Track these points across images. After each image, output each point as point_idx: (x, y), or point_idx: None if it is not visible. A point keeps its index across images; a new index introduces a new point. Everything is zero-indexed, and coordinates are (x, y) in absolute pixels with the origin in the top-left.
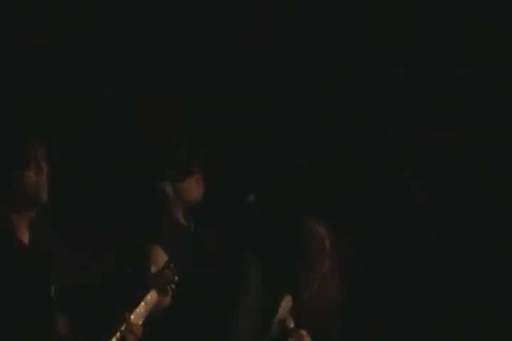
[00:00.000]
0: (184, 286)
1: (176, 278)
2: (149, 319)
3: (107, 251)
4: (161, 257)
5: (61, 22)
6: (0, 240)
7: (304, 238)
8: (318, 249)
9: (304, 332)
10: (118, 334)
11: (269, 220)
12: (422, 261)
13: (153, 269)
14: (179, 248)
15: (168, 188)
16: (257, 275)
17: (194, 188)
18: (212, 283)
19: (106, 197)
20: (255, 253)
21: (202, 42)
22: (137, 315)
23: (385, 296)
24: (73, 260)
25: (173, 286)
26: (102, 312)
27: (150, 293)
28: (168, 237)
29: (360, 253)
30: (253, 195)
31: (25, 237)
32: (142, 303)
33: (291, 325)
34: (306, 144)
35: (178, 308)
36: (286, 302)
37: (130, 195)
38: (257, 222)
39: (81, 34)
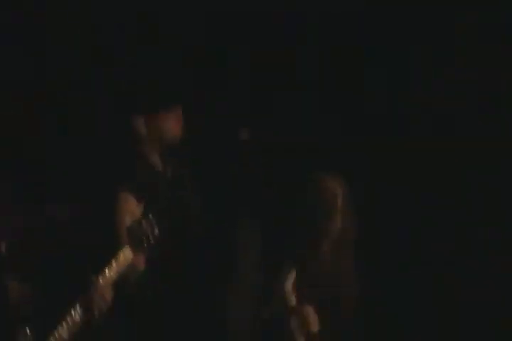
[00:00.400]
0: (165, 242)
1: (156, 230)
2: (122, 282)
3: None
4: (135, 207)
5: None
6: None
7: (314, 195)
8: (329, 207)
9: (309, 308)
10: (83, 300)
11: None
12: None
13: (128, 221)
14: (157, 196)
15: (141, 124)
16: (255, 234)
17: (173, 125)
18: (202, 239)
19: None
20: (253, 209)
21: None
22: (107, 277)
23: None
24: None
25: (151, 241)
26: (64, 273)
27: (123, 250)
28: (143, 183)
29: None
30: (247, 134)
31: None
32: (113, 263)
33: (293, 302)
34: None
35: (157, 269)
36: (290, 274)
37: (96, 132)
38: (252, 168)
39: None
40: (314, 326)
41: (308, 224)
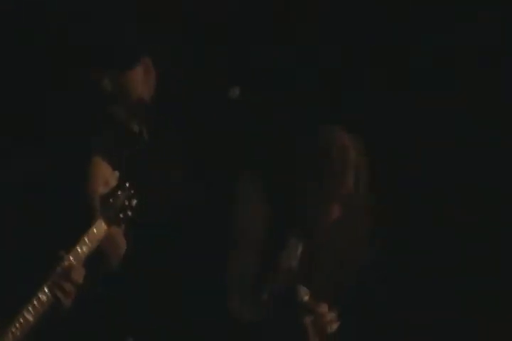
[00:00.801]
0: (145, 214)
1: (134, 201)
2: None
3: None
4: (109, 174)
5: None
6: None
7: (322, 148)
8: (340, 161)
9: (324, 307)
10: (51, 279)
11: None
12: None
13: (101, 189)
14: (134, 161)
15: (107, 82)
16: (255, 197)
17: (142, 83)
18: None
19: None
20: (253, 169)
21: None
22: (77, 254)
23: None
24: None
25: (129, 213)
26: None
27: (96, 224)
28: (117, 147)
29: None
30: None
31: None
32: (84, 238)
33: (306, 297)
34: None
35: (137, 245)
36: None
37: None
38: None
39: None
40: (331, 326)
41: (315, 186)
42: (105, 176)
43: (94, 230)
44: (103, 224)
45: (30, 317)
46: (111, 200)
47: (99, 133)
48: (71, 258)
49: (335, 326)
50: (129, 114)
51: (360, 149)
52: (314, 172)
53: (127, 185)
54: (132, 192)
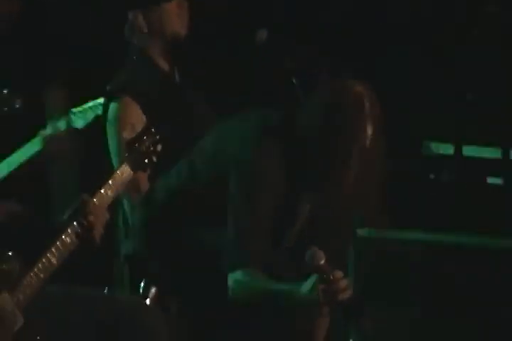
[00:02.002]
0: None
1: (159, 147)
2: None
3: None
4: (137, 117)
5: None
6: None
7: (336, 100)
8: (355, 112)
9: (339, 273)
10: (75, 223)
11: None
12: None
13: (126, 134)
14: (163, 103)
15: (139, 19)
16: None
17: (176, 18)
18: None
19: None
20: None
21: None
22: (103, 197)
23: None
24: None
25: (154, 159)
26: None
27: (121, 168)
28: (145, 87)
29: None
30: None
31: None
32: (109, 181)
33: (322, 261)
34: None
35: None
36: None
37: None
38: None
39: None
40: (344, 293)
41: (330, 142)
42: (133, 118)
43: (119, 174)
44: (128, 168)
45: (53, 260)
46: (136, 145)
47: (131, 74)
48: (95, 200)
49: (347, 294)
50: (160, 53)
51: (375, 101)
52: (329, 127)
53: (153, 130)
54: (158, 137)
